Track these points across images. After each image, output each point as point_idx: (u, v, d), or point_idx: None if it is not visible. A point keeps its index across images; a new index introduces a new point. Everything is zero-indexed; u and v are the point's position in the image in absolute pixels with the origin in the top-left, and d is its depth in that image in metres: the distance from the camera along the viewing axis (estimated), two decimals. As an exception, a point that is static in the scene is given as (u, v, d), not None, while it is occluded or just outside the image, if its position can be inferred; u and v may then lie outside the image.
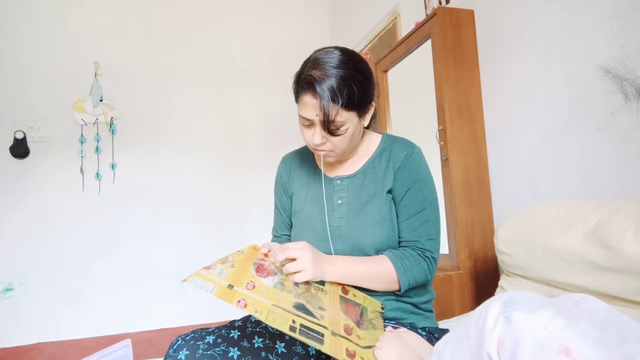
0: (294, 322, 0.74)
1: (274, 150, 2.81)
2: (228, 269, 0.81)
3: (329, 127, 0.92)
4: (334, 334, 0.77)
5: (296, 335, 0.72)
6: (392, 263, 0.95)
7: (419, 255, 0.97)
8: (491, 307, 0.54)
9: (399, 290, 0.96)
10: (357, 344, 0.78)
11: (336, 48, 0.97)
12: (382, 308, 0.96)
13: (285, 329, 0.72)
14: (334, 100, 0.90)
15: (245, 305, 0.73)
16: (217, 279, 0.77)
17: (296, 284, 0.87)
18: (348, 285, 0.95)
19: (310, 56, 0.97)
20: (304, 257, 0.86)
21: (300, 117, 0.97)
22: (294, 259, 0.87)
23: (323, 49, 0.98)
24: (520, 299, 0.53)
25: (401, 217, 1.01)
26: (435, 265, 1.00)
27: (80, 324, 2.79)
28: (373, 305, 0.93)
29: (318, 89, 0.90)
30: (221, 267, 0.81)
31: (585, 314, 0.57)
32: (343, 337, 0.78)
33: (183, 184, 3.10)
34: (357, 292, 0.95)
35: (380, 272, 0.95)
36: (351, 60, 0.95)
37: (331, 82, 0.90)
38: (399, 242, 1.01)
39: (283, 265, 0.88)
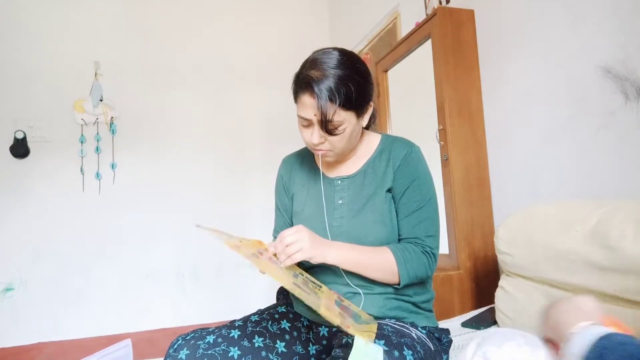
0: (293, 284, 0.81)
1: (274, 150, 2.81)
2: (234, 240, 0.87)
3: (327, 126, 0.93)
4: (328, 309, 0.79)
5: (297, 290, 0.79)
6: (392, 254, 0.95)
7: (420, 250, 0.98)
8: (467, 350, 0.61)
9: (399, 284, 0.96)
10: (353, 324, 0.81)
11: (335, 49, 0.98)
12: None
13: (286, 285, 0.79)
14: (331, 99, 0.91)
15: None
16: (226, 237, 0.86)
17: (295, 276, 0.87)
18: (344, 299, 0.95)
19: (309, 57, 0.99)
20: (301, 237, 0.87)
21: (299, 117, 0.98)
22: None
23: (322, 49, 0.99)
24: (491, 336, 0.60)
25: (400, 215, 1.01)
26: (435, 262, 1.00)
27: (80, 323, 2.79)
28: (367, 316, 0.93)
29: (316, 88, 0.91)
30: (228, 236, 0.86)
31: None
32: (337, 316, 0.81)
33: (183, 184, 3.10)
34: (353, 305, 0.95)
35: (381, 261, 0.95)
36: (349, 61, 0.95)
37: (329, 82, 0.91)
38: (399, 240, 1.02)
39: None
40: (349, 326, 0.76)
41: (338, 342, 0.85)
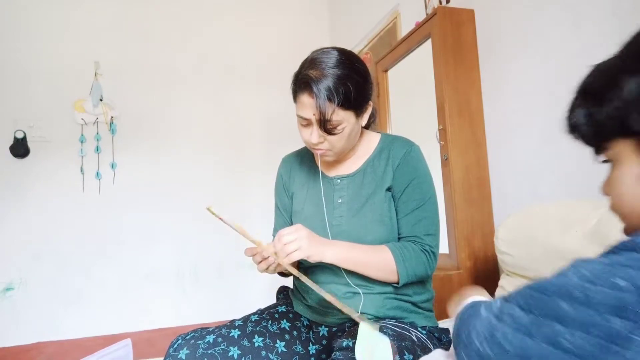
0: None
1: (274, 150, 2.81)
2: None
3: (326, 125, 0.93)
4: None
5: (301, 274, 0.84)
6: (391, 253, 0.95)
7: (419, 249, 0.98)
8: None
9: (398, 283, 0.96)
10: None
11: (334, 48, 0.98)
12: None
13: (292, 270, 0.84)
14: (330, 99, 0.91)
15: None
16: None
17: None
18: None
19: (308, 56, 0.99)
20: (299, 236, 0.87)
21: (298, 116, 0.98)
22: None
23: (321, 49, 0.99)
24: None
25: (400, 214, 1.01)
26: (435, 261, 1.00)
27: (80, 323, 2.79)
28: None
29: (314, 88, 0.91)
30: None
31: None
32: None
33: (183, 184, 3.10)
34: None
35: (380, 260, 0.95)
36: (348, 60, 0.95)
37: (327, 81, 0.91)
38: (399, 239, 1.02)
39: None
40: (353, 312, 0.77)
41: (338, 345, 0.85)
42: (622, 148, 0.46)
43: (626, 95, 0.43)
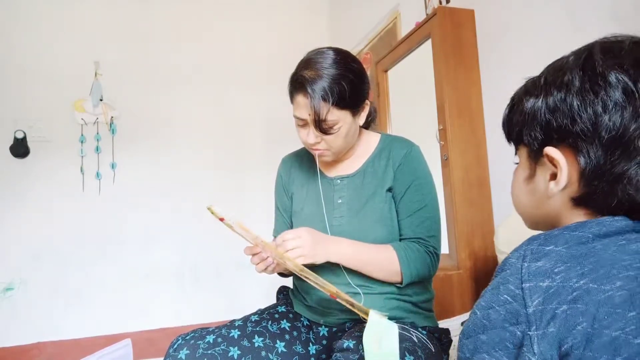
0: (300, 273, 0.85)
1: (274, 150, 2.80)
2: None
3: (321, 125, 0.94)
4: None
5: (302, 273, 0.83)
6: (395, 253, 0.95)
7: (424, 250, 0.98)
8: None
9: (401, 283, 0.96)
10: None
11: (329, 48, 0.99)
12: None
13: (288, 266, 0.84)
14: (324, 99, 0.92)
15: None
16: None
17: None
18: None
19: (304, 57, 1.00)
20: (302, 243, 0.87)
21: (295, 117, 0.99)
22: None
23: (316, 49, 1.00)
24: None
25: (402, 215, 1.01)
26: (438, 262, 1.01)
27: (80, 323, 2.79)
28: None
29: (309, 88, 0.92)
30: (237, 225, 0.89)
31: None
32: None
33: (183, 184, 3.09)
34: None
35: (384, 260, 0.95)
36: (343, 60, 0.96)
37: (322, 81, 0.92)
38: (400, 240, 1.02)
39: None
40: (354, 304, 0.77)
41: (339, 347, 0.85)
42: (522, 153, 0.54)
43: (523, 112, 0.52)
